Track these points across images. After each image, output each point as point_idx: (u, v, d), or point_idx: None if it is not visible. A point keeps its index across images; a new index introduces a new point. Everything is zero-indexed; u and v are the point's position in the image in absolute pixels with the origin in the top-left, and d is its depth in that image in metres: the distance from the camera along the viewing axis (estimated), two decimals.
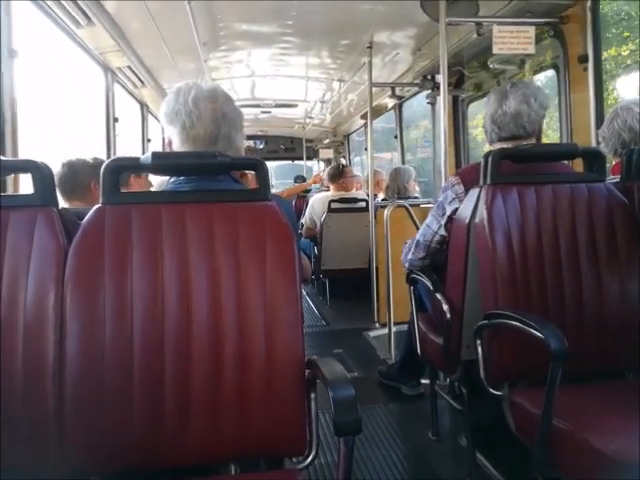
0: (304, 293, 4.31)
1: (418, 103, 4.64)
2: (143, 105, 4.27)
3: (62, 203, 1.79)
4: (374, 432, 2.04)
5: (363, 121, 5.61)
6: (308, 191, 6.09)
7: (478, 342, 1.41)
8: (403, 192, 3.79)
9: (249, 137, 6.50)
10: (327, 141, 7.06)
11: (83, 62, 3.07)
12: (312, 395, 1.05)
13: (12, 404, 0.96)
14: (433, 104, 3.46)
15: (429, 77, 3.48)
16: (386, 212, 3.05)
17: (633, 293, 1.40)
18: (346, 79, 4.35)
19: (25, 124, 1.97)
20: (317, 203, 4.21)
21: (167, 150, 1.26)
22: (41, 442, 0.97)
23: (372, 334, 3.32)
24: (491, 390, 1.37)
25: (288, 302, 1.06)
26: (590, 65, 2.28)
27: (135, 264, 1.03)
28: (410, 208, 3.01)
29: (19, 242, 1.01)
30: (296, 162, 7.74)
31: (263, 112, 5.75)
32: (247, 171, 1.60)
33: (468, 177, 1.61)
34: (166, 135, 1.25)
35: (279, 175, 9.36)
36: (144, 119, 4.32)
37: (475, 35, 2.62)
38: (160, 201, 1.10)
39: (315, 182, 5.85)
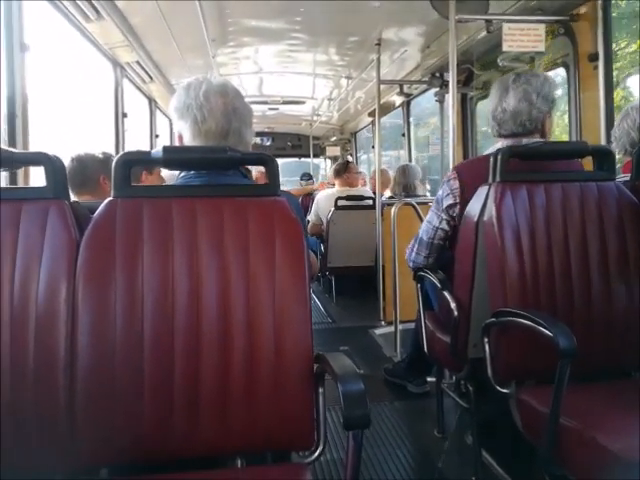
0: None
1: (427, 101, 4.63)
2: (151, 101, 4.28)
3: (72, 197, 1.81)
4: (380, 429, 2.05)
5: (370, 119, 5.60)
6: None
7: (486, 340, 1.41)
8: (410, 190, 3.79)
9: (256, 134, 6.51)
10: (334, 139, 7.05)
11: (92, 57, 3.09)
12: (320, 390, 1.05)
13: (23, 396, 0.97)
14: (441, 102, 3.45)
15: (437, 75, 3.47)
16: (393, 210, 3.04)
17: None
18: (354, 76, 4.34)
19: (35, 118, 1.98)
20: (323, 200, 4.21)
21: (177, 145, 1.26)
22: (52, 434, 0.98)
23: (378, 332, 3.32)
24: (498, 388, 1.37)
25: (297, 297, 1.06)
26: (600, 63, 2.26)
27: (146, 258, 1.04)
28: (417, 206, 3.00)
29: (31, 234, 1.02)
30: (303, 159, 7.73)
31: (270, 109, 5.76)
32: (252, 169, 1.60)
33: (465, 172, 1.62)
34: (176, 130, 1.25)
35: (285, 172, 9.35)
36: (152, 114, 4.34)
37: (484, 33, 2.62)
38: (171, 195, 1.10)
39: (321, 187, 5.85)
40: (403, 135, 4.78)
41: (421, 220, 2.95)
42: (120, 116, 3.25)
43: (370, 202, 3.91)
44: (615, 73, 2.32)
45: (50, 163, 1.07)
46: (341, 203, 3.98)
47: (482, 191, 1.48)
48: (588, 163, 1.58)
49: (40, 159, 1.07)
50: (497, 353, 1.39)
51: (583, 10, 2.33)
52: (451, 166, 2.34)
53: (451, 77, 2.34)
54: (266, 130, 6.95)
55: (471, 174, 1.58)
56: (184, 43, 3.25)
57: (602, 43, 2.25)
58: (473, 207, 1.52)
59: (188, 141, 1.22)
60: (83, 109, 3.45)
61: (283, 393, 1.04)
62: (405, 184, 3.78)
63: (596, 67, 2.27)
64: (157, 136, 4.42)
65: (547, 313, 1.29)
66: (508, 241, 1.37)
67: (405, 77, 4.06)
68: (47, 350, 0.98)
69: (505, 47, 2.29)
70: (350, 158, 6.63)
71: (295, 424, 1.04)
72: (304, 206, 5.27)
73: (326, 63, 4.13)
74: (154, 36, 3.06)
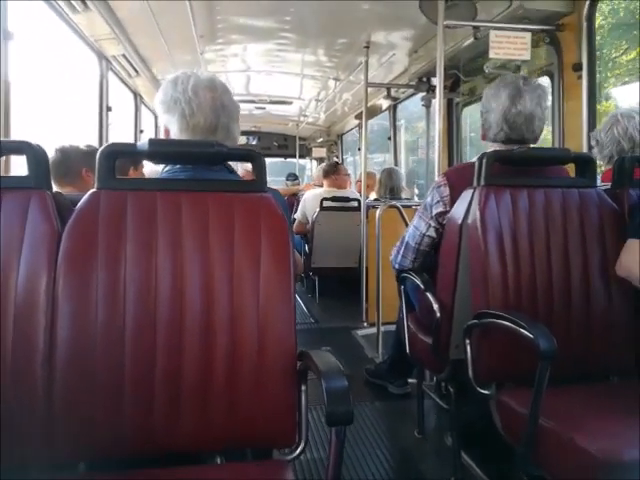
0: None
1: (414, 104, 4.66)
2: (137, 95, 4.23)
3: (54, 188, 1.78)
4: (360, 429, 2.05)
5: (357, 121, 5.62)
6: None
7: (467, 342, 1.42)
8: (396, 193, 3.81)
9: (242, 133, 6.48)
10: (320, 140, 7.06)
11: (77, 49, 3.04)
12: (303, 388, 1.05)
13: (1, 388, 0.94)
14: (428, 106, 3.48)
15: (424, 79, 3.50)
16: (378, 212, 3.06)
17: (620, 298, 1.43)
18: (342, 78, 4.36)
19: (17, 109, 1.95)
20: (310, 199, 4.21)
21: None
22: (29, 427, 0.96)
23: (360, 333, 3.33)
24: (479, 389, 1.38)
25: (281, 293, 1.06)
26: (584, 73, 2.31)
27: (129, 251, 1.02)
28: (402, 209, 3.02)
29: (12, 224, 1.00)
30: (289, 160, 7.73)
31: (257, 108, 5.74)
32: (238, 167, 1.60)
33: (455, 178, 1.60)
34: (161, 123, 1.24)
35: (271, 172, 9.27)
36: (137, 109, 4.29)
37: (472, 39, 2.65)
38: (156, 188, 1.09)
39: (307, 188, 5.84)
40: (389, 139, 4.81)
41: (405, 223, 2.98)
42: (104, 110, 3.20)
43: (355, 204, 3.92)
44: (612, 80, 2.36)
45: (32, 152, 1.04)
46: (327, 204, 3.98)
47: (467, 194, 1.50)
48: (571, 170, 1.61)
49: (22, 148, 1.05)
50: (478, 355, 1.41)
51: (568, 20, 2.38)
52: (436, 171, 2.37)
53: (438, 82, 2.36)
54: (252, 129, 6.93)
55: (461, 180, 1.55)
56: (172, 38, 3.22)
57: (586, 53, 2.30)
58: (457, 210, 1.54)
59: (175, 135, 1.20)
60: (66, 101, 3.39)
61: (265, 390, 1.03)
62: (391, 187, 3.80)
63: (580, 77, 2.32)
64: (142, 131, 4.36)
65: (528, 316, 1.31)
66: (491, 244, 1.39)
67: (392, 81, 4.09)
68: (26, 342, 0.96)
69: (492, 54, 2.33)
70: (336, 159, 6.64)
71: (277, 421, 1.04)
72: (289, 205, 5.27)
73: (314, 64, 4.14)
74: (141, 30, 3.03)
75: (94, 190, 1.05)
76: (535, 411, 1.13)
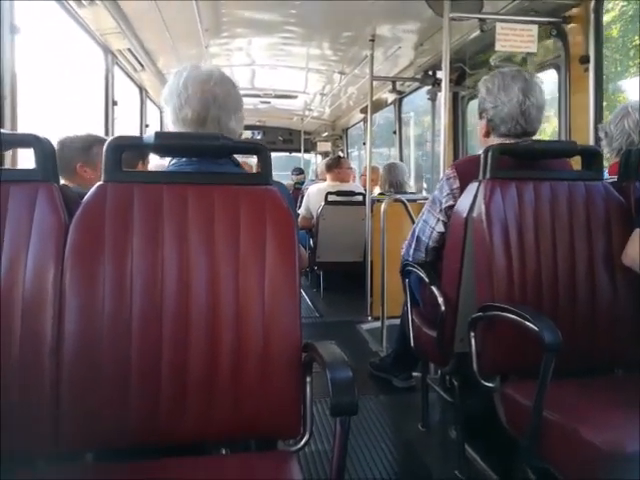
0: None
1: (420, 98, 4.64)
2: (142, 89, 4.24)
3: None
4: (364, 422, 2.06)
5: (362, 115, 5.60)
6: (302, 183, 6.08)
7: (472, 335, 1.43)
8: (398, 188, 3.81)
9: (247, 127, 6.47)
10: (325, 134, 7.05)
11: (83, 43, 3.05)
12: (307, 379, 1.06)
13: (8, 379, 0.96)
14: (433, 100, 3.47)
15: (430, 73, 3.48)
16: (383, 206, 3.05)
17: (625, 292, 1.42)
18: (347, 72, 4.34)
19: (23, 103, 1.95)
20: (314, 194, 4.21)
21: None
22: (37, 418, 0.97)
23: (365, 327, 3.33)
24: (483, 382, 1.38)
25: (287, 285, 1.06)
26: (591, 66, 2.29)
27: (135, 243, 1.03)
28: (407, 203, 3.02)
29: (19, 216, 1.01)
30: (293, 154, 7.72)
31: (262, 102, 5.74)
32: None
33: (465, 170, 1.58)
34: (165, 118, 1.26)
35: (276, 167, 9.31)
36: (143, 103, 4.29)
37: (477, 32, 2.64)
38: (162, 181, 1.10)
39: None
40: (395, 132, 4.79)
41: (411, 217, 2.97)
42: (110, 104, 3.21)
43: (360, 198, 3.92)
44: (633, 70, 2.32)
45: (40, 145, 1.05)
46: (331, 198, 3.98)
47: (472, 187, 1.50)
48: (577, 164, 1.60)
49: (30, 141, 1.06)
50: (483, 348, 1.41)
51: (575, 12, 2.36)
52: (441, 164, 2.37)
53: (444, 75, 2.35)
54: (257, 124, 6.92)
55: (470, 172, 1.53)
56: (177, 32, 3.22)
57: (593, 45, 2.28)
58: (462, 203, 1.54)
59: (168, 128, 1.23)
60: (73, 96, 3.40)
61: (270, 382, 1.04)
62: (391, 181, 3.80)
63: (587, 69, 2.30)
64: (147, 125, 4.37)
65: (533, 309, 1.31)
66: (496, 237, 1.39)
67: (398, 74, 4.07)
68: (33, 334, 0.97)
69: (498, 46, 2.31)
70: (341, 154, 6.63)
71: (282, 412, 1.05)
72: (293, 199, 5.26)
73: (319, 57, 4.13)
74: (147, 24, 3.03)
75: (101, 183, 1.06)
76: (539, 403, 1.13)
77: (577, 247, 1.43)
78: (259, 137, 6.96)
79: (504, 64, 2.71)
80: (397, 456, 1.84)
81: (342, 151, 6.94)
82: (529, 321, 1.14)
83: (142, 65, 3.58)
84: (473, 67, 3.27)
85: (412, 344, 1.93)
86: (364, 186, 4.07)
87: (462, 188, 1.57)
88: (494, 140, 1.60)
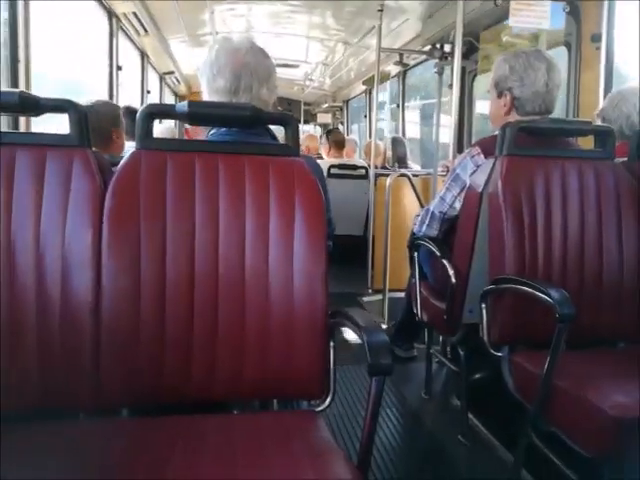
0: None
1: (421, 71, 4.61)
2: (144, 55, 4.16)
3: None
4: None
5: (364, 87, 5.55)
6: None
7: (483, 306, 1.48)
8: (402, 162, 3.82)
9: None
10: (326, 105, 6.98)
11: (87, 6, 2.98)
12: (331, 344, 1.10)
13: (50, 337, 0.99)
14: (440, 74, 3.44)
15: (438, 46, 3.45)
16: (388, 181, 3.07)
17: (632, 269, 1.48)
18: (350, 42, 4.29)
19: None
20: None
21: None
22: (76, 375, 1.01)
23: (366, 299, 3.40)
24: (492, 351, 1.44)
25: (314, 253, 1.09)
26: (603, 44, 2.29)
27: (169, 209, 1.05)
28: (412, 178, 3.04)
29: (57, 180, 1.03)
30: None
31: None
32: None
33: (489, 148, 1.58)
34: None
35: None
36: (144, 69, 4.22)
37: (490, 5, 2.62)
38: (193, 150, 1.11)
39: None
40: (397, 106, 4.77)
41: (415, 192, 3.00)
42: (114, 68, 3.16)
43: (363, 172, 3.92)
44: None
45: (75, 111, 1.06)
46: (333, 172, 3.99)
47: (488, 164, 1.52)
48: (585, 143, 1.63)
49: (65, 106, 1.06)
50: (493, 319, 1.46)
51: None
52: (451, 140, 2.39)
53: (457, 48, 2.35)
54: None
55: (494, 150, 1.53)
56: None
57: (606, 23, 2.28)
58: (478, 178, 1.57)
59: (205, 99, 1.24)
60: (76, 59, 3.33)
61: (297, 345, 1.08)
62: (399, 156, 3.81)
63: (598, 48, 2.30)
64: (149, 92, 4.31)
65: (544, 281, 1.36)
66: (510, 213, 1.43)
67: (402, 47, 4.02)
68: (73, 294, 1.00)
69: (512, 22, 2.30)
70: (341, 126, 6.59)
71: (307, 374, 1.09)
72: None
73: (323, 27, 4.07)
74: None
75: (134, 150, 1.07)
76: (550, 371, 1.19)
77: (587, 224, 1.48)
78: None
79: (515, 39, 2.70)
80: (402, 422, 1.91)
81: (342, 123, 6.89)
82: (544, 293, 1.19)
83: (146, 30, 3.51)
84: (483, 41, 3.25)
85: (419, 315, 1.99)
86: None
87: None
88: (515, 117, 1.62)
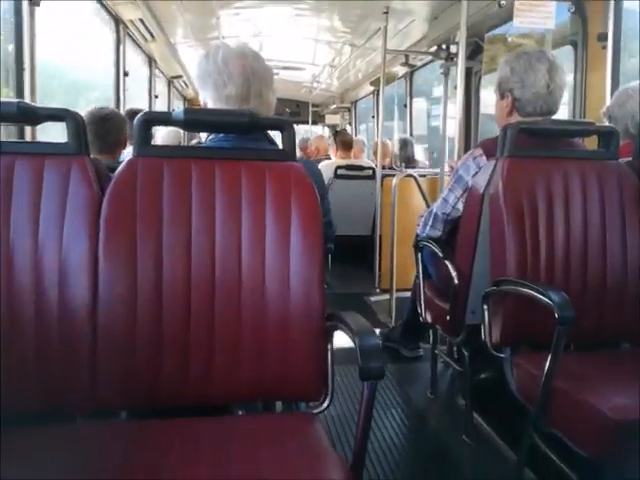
0: None
1: (428, 72, 4.60)
2: (151, 60, 4.21)
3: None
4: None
5: (372, 88, 5.55)
6: None
7: (485, 307, 1.48)
8: (410, 162, 3.82)
9: None
10: (334, 106, 6.99)
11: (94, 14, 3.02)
12: (329, 346, 1.11)
13: (48, 343, 1.01)
14: (446, 74, 3.44)
15: (444, 47, 3.44)
16: (394, 181, 3.07)
17: (635, 270, 1.46)
18: (357, 44, 4.29)
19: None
20: (324, 169, 4.22)
21: None
22: (74, 378, 1.03)
23: (373, 299, 3.41)
24: (495, 353, 1.44)
25: (310, 258, 1.10)
26: (609, 44, 2.27)
27: (166, 216, 1.07)
28: (418, 178, 3.04)
29: (54, 188, 1.05)
30: (301, 126, 7.67)
31: None
32: None
33: (492, 150, 1.58)
34: (201, 99, 1.28)
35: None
36: (152, 74, 4.27)
37: (495, 6, 2.61)
38: (190, 156, 1.13)
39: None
40: (405, 106, 4.76)
41: (422, 192, 3.00)
42: (121, 75, 3.20)
43: (370, 172, 3.93)
44: None
45: (72, 119, 1.08)
46: (340, 172, 4.00)
47: (489, 165, 1.53)
48: (590, 143, 1.62)
49: (62, 115, 1.09)
50: (495, 320, 1.46)
51: None
52: (456, 140, 2.39)
53: (460, 49, 2.35)
54: None
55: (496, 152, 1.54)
56: (189, 1, 3.19)
57: (613, 22, 2.26)
58: (480, 179, 1.57)
59: (211, 106, 1.24)
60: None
61: (294, 348, 1.09)
62: (407, 156, 3.81)
63: (604, 47, 2.29)
64: (156, 96, 4.36)
65: (546, 284, 1.35)
66: (511, 214, 1.42)
67: (409, 48, 4.02)
68: (70, 300, 1.02)
69: (516, 22, 2.29)
70: (349, 127, 6.59)
71: (305, 377, 1.10)
72: None
73: (329, 29, 4.08)
74: None
75: (131, 158, 1.09)
76: (551, 373, 1.19)
77: (590, 225, 1.47)
78: None
79: (521, 40, 2.69)
80: (406, 421, 1.92)
81: (350, 124, 6.89)
82: (544, 295, 1.19)
83: (153, 35, 3.55)
84: (488, 42, 3.23)
85: (423, 316, 1.99)
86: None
87: None
88: (517, 118, 1.62)
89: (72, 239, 1.04)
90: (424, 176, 3.41)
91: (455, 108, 2.52)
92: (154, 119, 1.16)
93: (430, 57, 3.75)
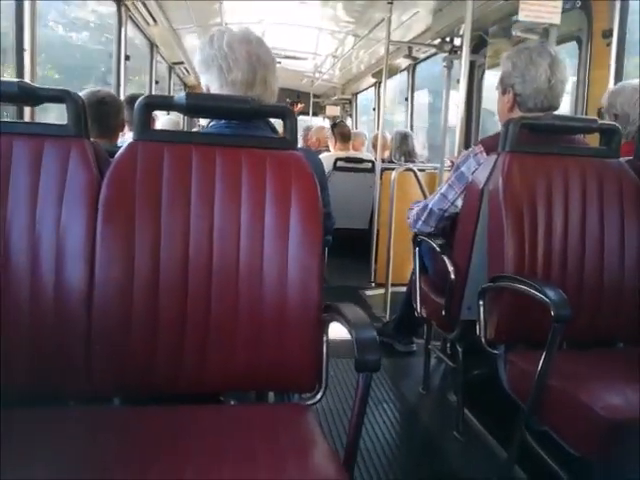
0: None
1: (430, 65, 4.56)
2: (153, 45, 4.16)
3: None
4: None
5: (373, 80, 5.52)
6: None
7: (481, 303, 1.47)
8: (410, 157, 3.80)
9: None
10: (335, 98, 6.95)
11: None
12: (325, 338, 1.10)
13: (43, 326, 1.00)
14: (449, 68, 3.41)
15: (447, 39, 3.42)
16: (393, 175, 3.06)
17: (632, 269, 1.46)
18: (360, 34, 4.26)
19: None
20: (323, 160, 4.19)
21: None
22: (68, 362, 1.02)
23: (368, 293, 3.40)
24: (489, 349, 1.44)
25: (309, 248, 1.09)
26: (614, 40, 2.26)
27: (165, 201, 1.06)
28: (417, 172, 3.03)
29: (53, 171, 1.03)
30: (301, 117, 7.62)
31: None
32: None
33: (492, 147, 1.56)
34: (203, 84, 1.26)
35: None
36: (153, 59, 4.22)
37: (501, 0, 2.58)
38: (191, 141, 1.12)
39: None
40: (406, 99, 4.73)
41: (420, 186, 2.99)
42: (122, 58, 3.16)
43: (369, 165, 3.91)
44: None
45: (73, 101, 1.07)
46: (340, 164, 3.98)
47: (490, 160, 1.51)
48: (592, 140, 1.60)
49: (63, 96, 1.07)
50: (491, 317, 1.46)
51: None
52: (457, 135, 2.37)
53: (465, 42, 2.32)
54: None
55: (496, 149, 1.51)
56: None
57: (618, 19, 2.24)
58: (480, 174, 1.55)
59: (216, 91, 1.22)
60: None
61: (290, 338, 1.08)
62: (404, 150, 3.79)
63: (609, 44, 2.27)
64: (157, 82, 4.31)
65: (542, 281, 1.35)
66: (511, 210, 1.41)
67: (412, 40, 3.99)
68: (66, 283, 1.01)
69: (521, 16, 2.26)
70: (349, 119, 6.56)
71: (300, 368, 1.10)
72: None
73: (333, 18, 4.04)
74: None
75: (132, 141, 1.08)
76: (545, 371, 1.18)
77: (589, 223, 1.46)
78: None
79: (525, 34, 2.66)
80: (398, 416, 1.92)
81: (351, 116, 6.86)
82: (541, 292, 1.18)
83: (155, 19, 3.51)
84: (491, 36, 3.21)
85: (418, 310, 1.98)
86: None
87: None
88: (518, 114, 1.60)
89: (70, 221, 1.03)
90: (423, 170, 3.40)
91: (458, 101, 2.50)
92: (155, 103, 1.14)
93: (433, 50, 3.73)
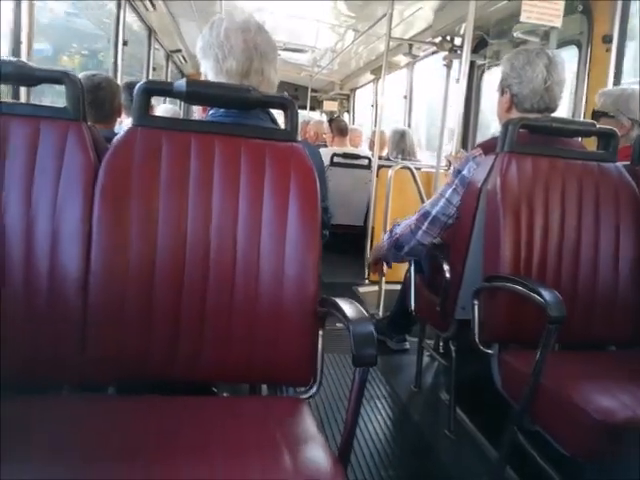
0: None
1: (429, 64, 4.55)
2: (151, 31, 4.11)
3: None
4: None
5: (372, 76, 5.50)
6: None
7: (475, 303, 1.47)
8: (408, 155, 3.80)
9: None
10: (333, 93, 6.92)
11: None
12: (320, 332, 1.10)
13: (38, 312, 0.99)
14: (449, 67, 3.41)
15: (448, 38, 3.41)
16: (390, 172, 3.05)
17: (626, 273, 1.47)
18: (360, 29, 4.24)
19: None
20: (322, 155, 4.19)
21: None
22: (63, 349, 1.01)
23: (362, 289, 3.40)
24: (482, 348, 1.44)
25: (307, 240, 1.08)
26: (614, 45, 2.27)
27: (162, 187, 1.05)
28: (415, 171, 3.03)
29: (50, 152, 1.02)
30: (299, 111, 7.59)
31: None
32: None
33: (489, 149, 1.55)
34: (202, 71, 1.24)
35: None
36: (150, 46, 4.17)
37: (504, 1, 2.58)
38: (190, 129, 1.10)
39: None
40: (405, 97, 4.73)
41: (417, 185, 2.99)
42: (120, 43, 3.12)
43: (366, 162, 3.90)
44: None
45: (71, 83, 1.05)
46: (336, 160, 3.97)
47: (488, 160, 1.51)
48: (589, 144, 1.61)
49: (61, 77, 1.05)
50: (485, 316, 1.46)
51: None
52: (456, 135, 2.37)
53: (466, 41, 2.32)
54: None
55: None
56: None
57: (618, 24, 2.25)
58: (478, 175, 1.55)
59: (212, 79, 1.21)
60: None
61: (285, 331, 1.08)
62: (401, 148, 3.78)
63: (609, 49, 2.28)
64: (154, 69, 4.27)
65: (538, 281, 1.35)
66: (508, 211, 1.41)
67: (413, 37, 3.98)
68: (61, 268, 1.00)
69: (523, 18, 2.26)
70: (347, 115, 6.54)
71: (295, 361, 1.09)
72: None
73: (334, 11, 4.02)
74: None
75: (131, 127, 1.06)
76: (538, 371, 1.19)
77: (584, 226, 1.46)
78: None
79: (526, 36, 2.67)
80: (390, 413, 1.92)
81: (348, 112, 6.84)
82: (537, 293, 1.19)
83: (154, 5, 3.46)
84: (494, 36, 3.21)
85: (412, 308, 1.98)
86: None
87: None
88: (516, 115, 1.59)
89: (66, 205, 1.01)
90: (419, 169, 3.40)
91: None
92: (155, 89, 1.13)
93: (433, 48, 3.72)
